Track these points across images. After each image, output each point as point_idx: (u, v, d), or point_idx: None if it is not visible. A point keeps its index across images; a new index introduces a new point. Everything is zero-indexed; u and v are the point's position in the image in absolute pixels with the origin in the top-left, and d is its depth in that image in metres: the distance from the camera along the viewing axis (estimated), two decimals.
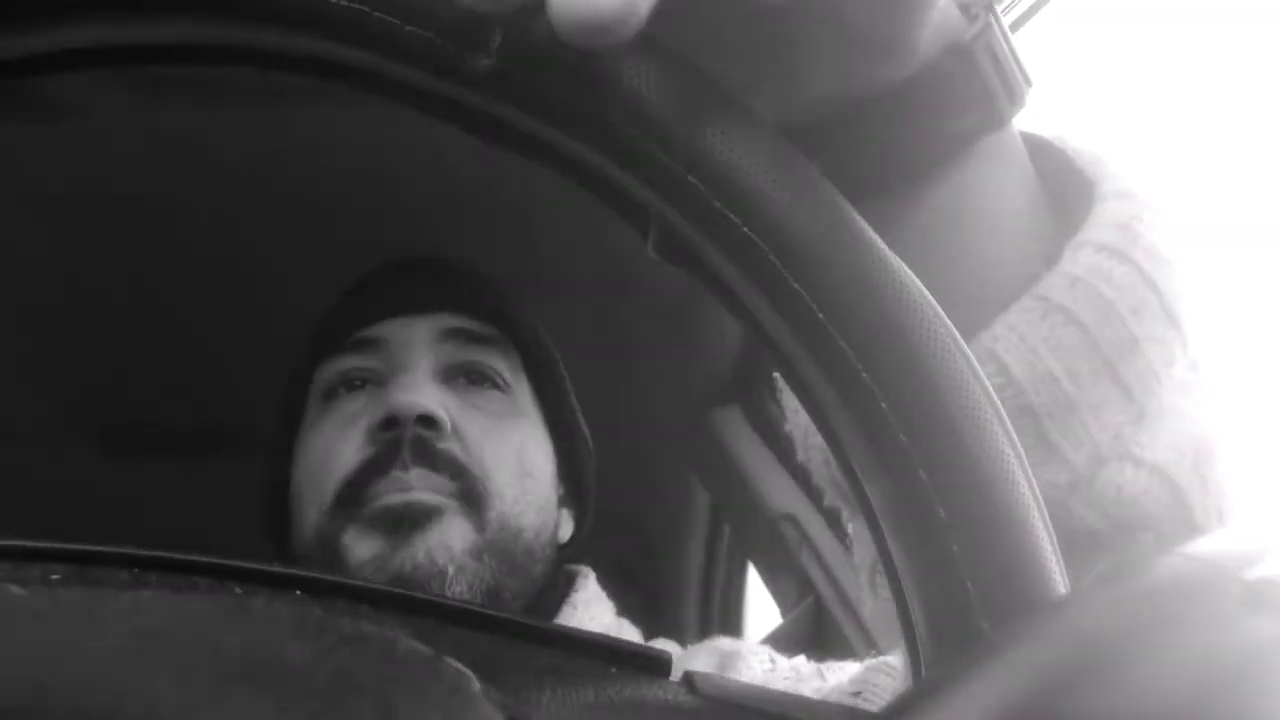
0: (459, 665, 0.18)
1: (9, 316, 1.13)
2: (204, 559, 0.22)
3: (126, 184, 1.02)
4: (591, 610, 0.78)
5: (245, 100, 0.94)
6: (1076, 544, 0.29)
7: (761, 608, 1.28)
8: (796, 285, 0.22)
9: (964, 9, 0.30)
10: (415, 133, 0.92)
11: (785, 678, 0.70)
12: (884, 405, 0.21)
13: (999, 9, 0.31)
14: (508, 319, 0.82)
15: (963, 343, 0.22)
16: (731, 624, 1.33)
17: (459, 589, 0.69)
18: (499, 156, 0.29)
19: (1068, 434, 0.30)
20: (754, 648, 0.77)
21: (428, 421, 0.72)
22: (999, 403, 0.22)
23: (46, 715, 0.15)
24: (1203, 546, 0.20)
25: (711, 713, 0.22)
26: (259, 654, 0.17)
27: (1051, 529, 0.22)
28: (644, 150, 0.23)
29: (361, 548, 0.71)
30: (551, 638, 0.23)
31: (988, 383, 0.22)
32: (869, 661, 0.54)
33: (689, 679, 0.22)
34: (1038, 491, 0.22)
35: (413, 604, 0.22)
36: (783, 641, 0.87)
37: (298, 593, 0.22)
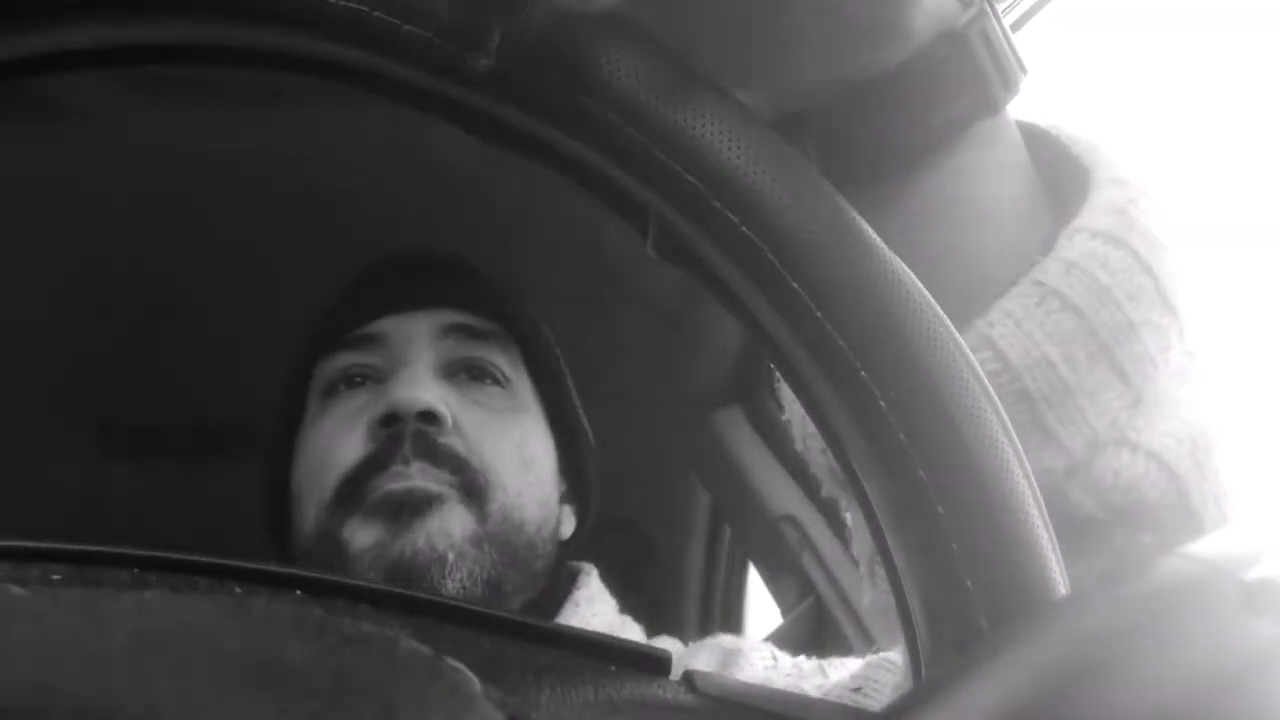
0: (460, 666, 0.18)
1: (9, 316, 1.13)
2: (204, 559, 0.22)
3: (127, 184, 1.02)
4: (594, 608, 0.78)
5: (245, 100, 0.94)
6: (1074, 531, 0.29)
7: (762, 608, 1.28)
8: (795, 284, 0.22)
9: None
10: (415, 133, 0.92)
11: (787, 675, 0.70)
12: (883, 404, 0.21)
13: (998, 5, 0.31)
14: (508, 314, 0.82)
15: (961, 341, 0.22)
16: (732, 624, 1.33)
17: (459, 576, 0.69)
18: (499, 157, 0.29)
19: (1064, 420, 0.30)
20: (756, 645, 0.77)
21: (429, 417, 0.72)
22: (998, 400, 0.22)
23: (47, 715, 0.15)
24: (1202, 547, 0.20)
25: (711, 711, 0.22)
26: (259, 654, 0.17)
27: (1050, 526, 0.22)
28: (643, 150, 0.23)
29: (362, 536, 0.71)
30: (551, 637, 0.23)
31: (986, 380, 0.22)
32: (870, 657, 0.54)
33: (689, 678, 0.23)
34: (1037, 489, 0.22)
35: (413, 603, 0.23)
36: (783, 642, 0.87)
37: (298, 592, 0.22)
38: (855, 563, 0.37)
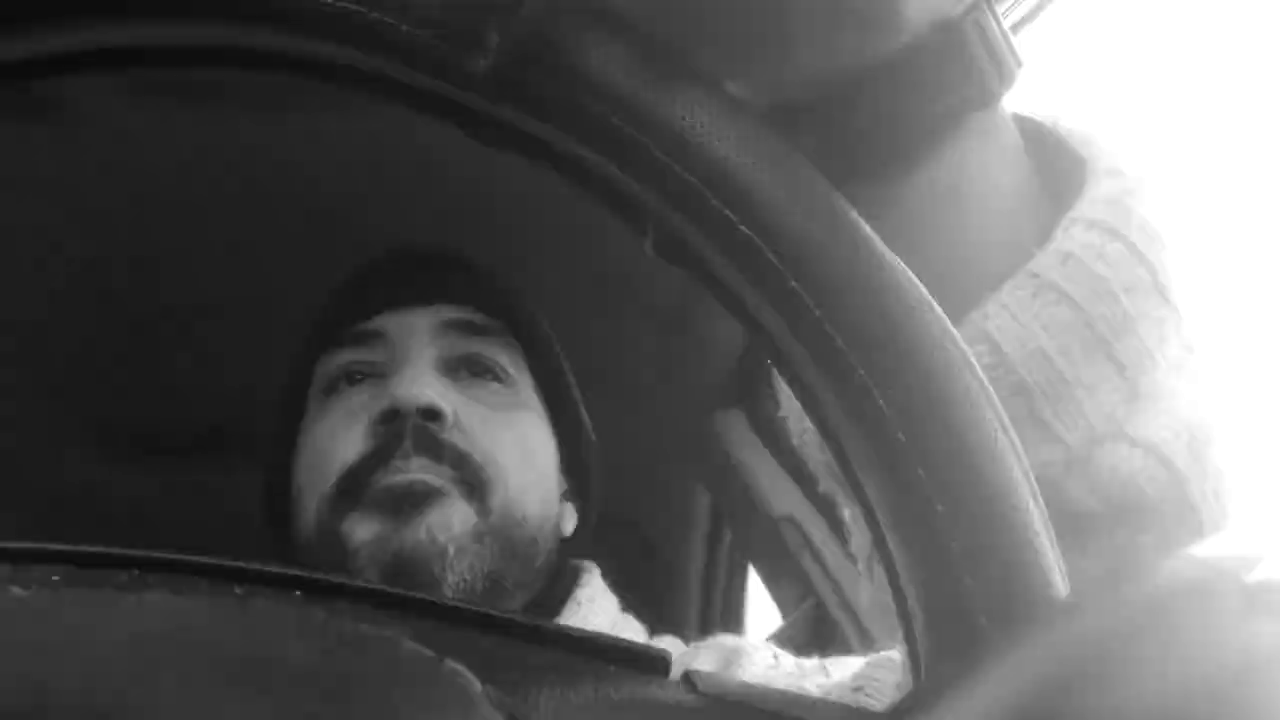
0: (460, 667, 0.18)
1: (9, 316, 1.13)
2: (204, 560, 0.22)
3: (127, 185, 1.02)
4: (596, 606, 0.78)
5: (245, 101, 0.94)
6: (1073, 526, 0.29)
7: (762, 609, 1.28)
8: (794, 283, 0.22)
9: None
10: (415, 134, 0.92)
11: (789, 674, 0.70)
12: (881, 402, 0.21)
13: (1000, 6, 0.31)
14: (509, 310, 0.82)
15: (959, 339, 0.22)
16: (732, 625, 1.33)
17: (460, 569, 0.69)
18: (499, 159, 0.29)
19: (1061, 413, 0.30)
20: (758, 644, 0.77)
21: (430, 413, 0.72)
22: (996, 398, 0.22)
23: (49, 716, 0.15)
24: (1204, 549, 0.20)
25: (711, 711, 0.22)
26: (260, 655, 0.17)
27: (1050, 524, 0.22)
28: (641, 149, 0.23)
29: (362, 529, 0.71)
30: (551, 637, 0.23)
31: (984, 378, 0.22)
32: (871, 657, 0.54)
33: (689, 678, 0.23)
34: (1036, 487, 0.22)
35: (413, 604, 0.23)
36: (784, 643, 0.87)
37: (298, 593, 0.22)
38: (854, 561, 0.36)
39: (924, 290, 0.23)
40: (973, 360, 0.22)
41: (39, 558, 0.22)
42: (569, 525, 0.81)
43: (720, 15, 0.28)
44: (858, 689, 0.50)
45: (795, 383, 0.24)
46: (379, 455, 0.71)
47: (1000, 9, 0.31)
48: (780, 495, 1.14)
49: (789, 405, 0.35)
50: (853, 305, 0.22)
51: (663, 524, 1.37)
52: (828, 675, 0.67)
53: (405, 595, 0.23)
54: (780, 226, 0.22)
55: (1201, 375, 0.32)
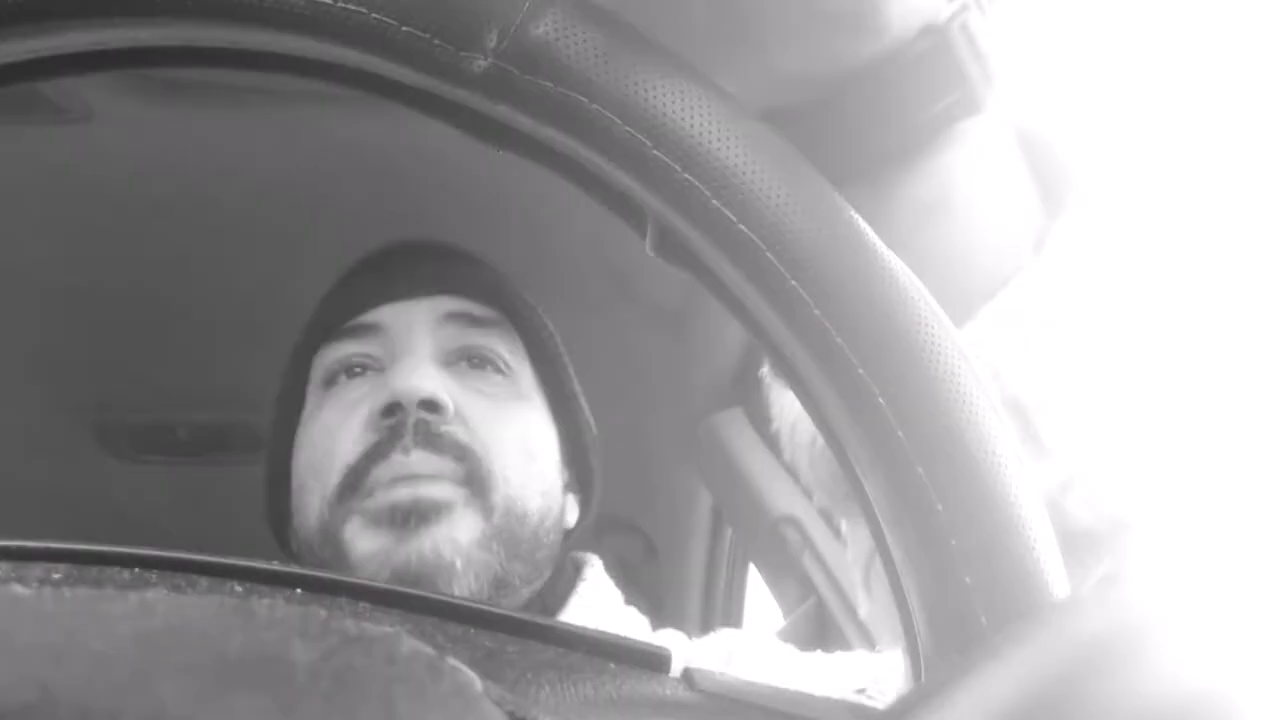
0: (461, 665, 0.18)
1: (10, 316, 1.13)
2: (205, 558, 0.22)
3: (128, 185, 1.02)
4: (599, 599, 0.78)
5: (247, 101, 0.94)
6: (1074, 545, 0.28)
7: (762, 609, 1.28)
8: (793, 282, 0.22)
9: None
10: (417, 135, 0.92)
11: (791, 670, 0.70)
12: (881, 401, 0.21)
13: None
14: (508, 302, 0.82)
15: (958, 337, 0.22)
16: (733, 625, 1.33)
17: (467, 580, 0.68)
18: (501, 159, 0.29)
19: (1057, 431, 0.30)
20: (761, 640, 0.77)
21: (431, 406, 0.71)
22: (995, 397, 0.22)
23: (50, 716, 0.15)
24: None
25: (711, 708, 0.22)
26: (261, 654, 0.17)
27: (1049, 522, 0.22)
28: (640, 148, 0.23)
29: (365, 542, 0.70)
30: (552, 634, 0.23)
31: (983, 377, 0.22)
32: (872, 657, 0.54)
33: (688, 675, 0.23)
34: (1035, 485, 0.22)
35: (414, 601, 0.23)
36: (785, 642, 0.87)
37: (299, 591, 0.22)
38: (850, 568, 0.36)
39: (924, 289, 0.23)
40: (971, 359, 0.22)
41: (40, 556, 0.22)
42: (571, 518, 0.81)
43: (700, 16, 0.28)
44: (860, 691, 0.50)
45: (794, 381, 0.24)
46: (379, 450, 0.71)
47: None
48: (780, 495, 1.14)
49: (780, 420, 0.35)
50: (852, 304, 0.22)
51: (663, 524, 1.37)
52: (829, 673, 0.67)
53: (406, 592, 0.23)
54: (778, 224, 0.22)
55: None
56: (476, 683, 0.18)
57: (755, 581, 1.31)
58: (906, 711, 0.17)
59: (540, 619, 0.23)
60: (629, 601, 0.81)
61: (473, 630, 0.22)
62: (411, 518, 0.68)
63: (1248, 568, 0.19)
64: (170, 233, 1.07)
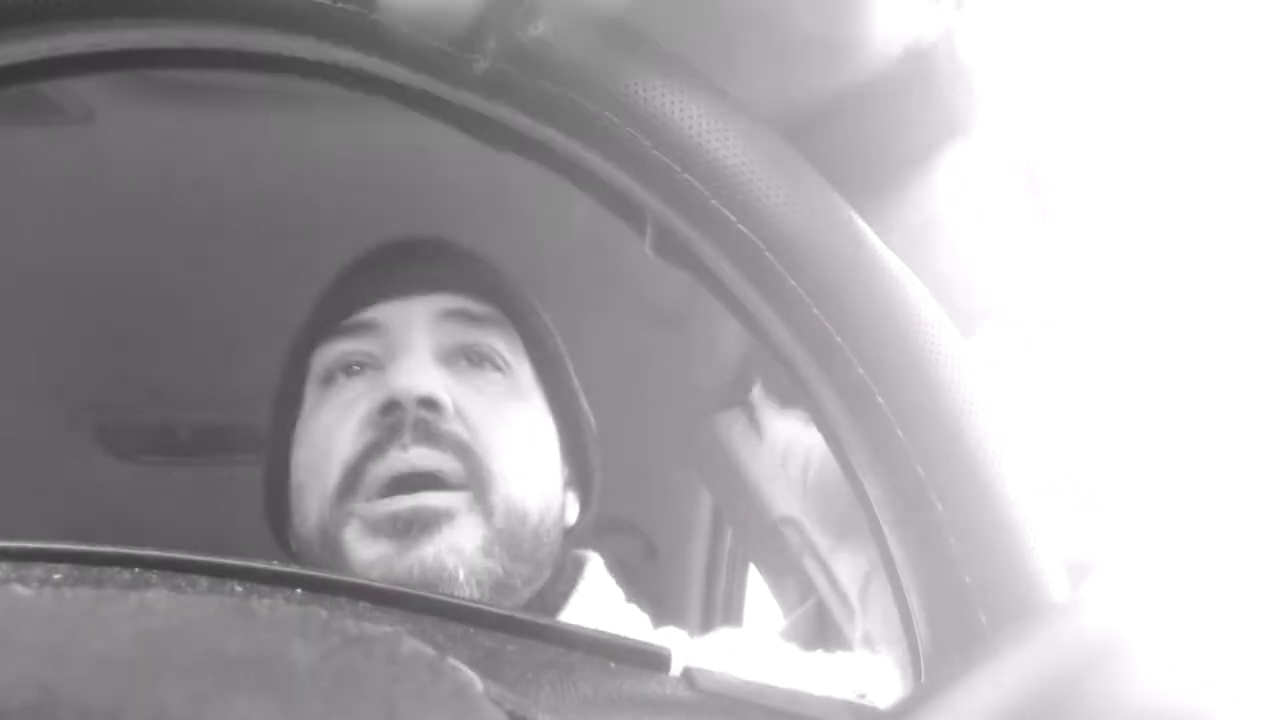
0: (462, 665, 0.18)
1: (11, 317, 1.13)
2: (205, 559, 0.23)
3: (129, 186, 1.02)
4: (600, 596, 0.78)
5: (248, 103, 0.94)
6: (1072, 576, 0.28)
7: (762, 610, 1.28)
8: (792, 281, 0.22)
9: (931, 8, 0.29)
10: (416, 135, 0.92)
11: (794, 670, 0.70)
12: (880, 400, 0.21)
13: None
14: (506, 299, 0.81)
15: (957, 337, 0.22)
16: (734, 625, 1.33)
17: (469, 589, 0.68)
18: (501, 160, 0.29)
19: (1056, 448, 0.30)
20: (763, 639, 0.77)
21: (429, 404, 0.70)
22: (994, 397, 0.22)
23: (52, 715, 0.15)
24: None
25: (711, 707, 0.22)
26: (262, 654, 0.17)
27: (1047, 521, 0.22)
28: (639, 148, 0.23)
29: (365, 549, 0.69)
30: (552, 634, 0.23)
31: (982, 377, 0.22)
32: (873, 659, 0.54)
33: (688, 674, 0.23)
34: (1033, 486, 0.22)
35: (414, 602, 0.23)
36: (786, 642, 0.87)
37: (299, 591, 0.22)
38: (845, 593, 0.36)
39: (924, 289, 0.23)
40: (970, 359, 0.22)
41: (41, 557, 0.22)
42: (571, 515, 0.81)
43: (672, 44, 0.27)
44: (861, 696, 0.50)
45: (794, 381, 0.24)
46: (378, 446, 0.71)
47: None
48: (781, 495, 1.14)
49: (771, 451, 0.35)
50: (852, 304, 0.22)
51: (663, 524, 1.37)
52: (831, 673, 0.67)
53: (406, 592, 0.23)
54: (778, 224, 0.22)
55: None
56: (476, 682, 0.18)
57: (755, 582, 1.31)
58: (906, 711, 0.17)
59: (540, 619, 0.23)
60: (629, 599, 0.81)
61: (473, 630, 0.22)
62: (413, 527, 0.68)
63: (1239, 577, 0.19)
64: (172, 233, 1.07)
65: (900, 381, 0.22)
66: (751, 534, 1.22)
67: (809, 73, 0.28)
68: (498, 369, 0.78)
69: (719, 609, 1.36)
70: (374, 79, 0.25)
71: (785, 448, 0.35)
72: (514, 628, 0.22)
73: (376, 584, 0.23)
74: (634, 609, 0.80)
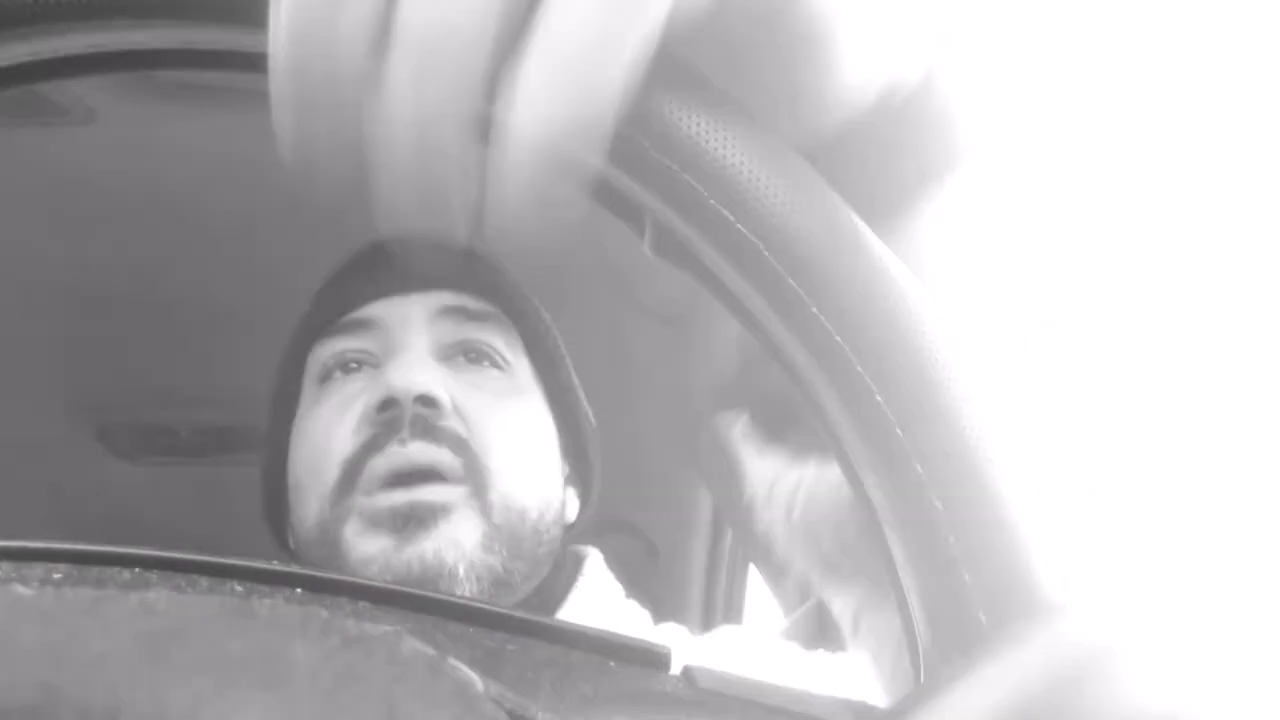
0: (462, 665, 0.18)
1: (11, 317, 1.13)
2: (206, 558, 0.23)
3: (130, 186, 1.02)
4: (600, 592, 0.78)
5: (248, 103, 0.94)
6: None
7: (763, 610, 1.28)
8: (792, 282, 0.22)
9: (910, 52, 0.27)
10: None
11: (796, 668, 0.70)
12: (879, 399, 0.21)
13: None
14: (504, 295, 0.81)
15: (957, 338, 0.22)
16: (734, 624, 1.33)
17: (469, 585, 0.68)
18: None
19: None
20: (765, 637, 0.77)
21: (427, 401, 0.70)
22: (994, 397, 0.22)
23: (53, 715, 0.15)
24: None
25: (712, 706, 0.22)
26: (263, 654, 0.17)
27: (1047, 520, 0.22)
28: (638, 148, 0.23)
29: (364, 544, 0.69)
30: (552, 633, 0.23)
31: (982, 377, 0.22)
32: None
33: (688, 672, 0.23)
34: (1034, 485, 0.22)
35: (414, 601, 0.23)
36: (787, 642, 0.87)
37: (299, 591, 0.22)
38: (838, 625, 0.36)
39: (924, 289, 0.23)
40: (970, 359, 0.22)
41: (42, 556, 0.22)
42: (571, 512, 0.81)
43: None
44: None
45: (795, 381, 0.24)
46: (376, 442, 0.70)
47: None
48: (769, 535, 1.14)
49: (753, 490, 0.35)
50: (851, 304, 0.22)
51: (663, 524, 1.37)
52: (832, 673, 0.67)
53: (406, 592, 0.23)
54: (777, 225, 0.22)
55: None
56: (477, 682, 0.18)
57: (756, 581, 1.31)
58: (906, 711, 0.17)
59: (540, 618, 0.23)
60: (630, 594, 0.81)
61: (473, 629, 0.22)
62: (410, 522, 0.68)
63: (1237, 583, 0.19)
64: (174, 234, 1.07)
65: (900, 381, 0.22)
66: (752, 534, 1.23)
67: (774, 124, 0.26)
68: (496, 366, 0.78)
69: (719, 609, 1.36)
70: None
71: (768, 489, 0.34)
72: (514, 627, 0.23)
73: (377, 584, 0.23)
74: (634, 604, 0.80)
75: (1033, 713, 0.17)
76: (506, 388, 0.77)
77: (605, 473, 0.86)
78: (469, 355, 0.76)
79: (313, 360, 0.79)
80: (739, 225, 0.22)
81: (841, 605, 0.34)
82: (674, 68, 0.24)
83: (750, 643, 0.75)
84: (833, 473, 0.33)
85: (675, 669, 0.23)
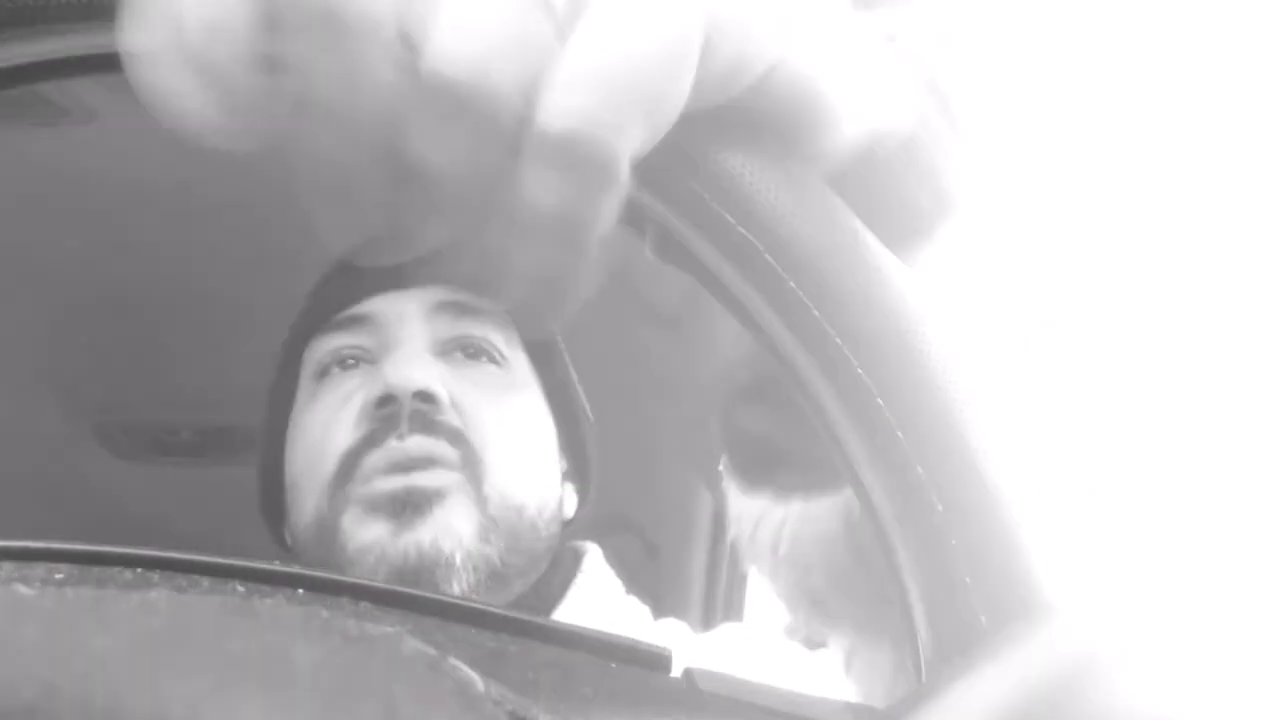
0: (463, 665, 0.18)
1: (12, 316, 1.13)
2: (208, 558, 0.23)
3: (130, 186, 1.02)
4: (599, 589, 0.77)
5: None
6: None
7: (763, 610, 1.28)
8: (792, 284, 0.22)
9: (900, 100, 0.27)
10: None
11: (798, 668, 0.70)
12: (880, 401, 0.21)
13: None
14: None
15: (958, 341, 0.22)
16: (735, 622, 1.33)
17: (465, 574, 0.68)
18: None
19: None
20: (767, 637, 0.77)
21: (425, 397, 0.70)
22: (995, 400, 0.22)
23: (54, 715, 0.15)
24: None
25: (712, 709, 0.22)
26: (264, 654, 0.17)
27: (1048, 521, 0.22)
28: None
29: (362, 532, 0.69)
30: (553, 634, 0.23)
31: (982, 379, 0.22)
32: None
33: (690, 674, 0.23)
34: (1035, 486, 0.22)
35: (416, 602, 0.23)
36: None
37: (301, 592, 0.22)
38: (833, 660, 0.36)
39: (925, 292, 0.23)
40: (970, 360, 0.22)
41: (43, 556, 0.22)
42: (569, 508, 0.80)
43: None
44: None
45: (796, 383, 0.24)
46: (374, 437, 0.70)
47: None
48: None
49: (738, 527, 0.35)
50: (851, 306, 0.22)
51: (664, 524, 1.37)
52: (833, 670, 0.67)
53: (408, 593, 0.23)
54: (778, 227, 0.23)
55: None
56: (478, 682, 0.18)
57: (756, 581, 1.31)
58: (906, 712, 0.17)
59: (542, 619, 0.23)
60: (629, 590, 0.80)
61: (474, 630, 0.22)
62: (407, 508, 0.68)
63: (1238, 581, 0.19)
64: (174, 234, 1.07)
65: (900, 383, 0.22)
66: None
67: None
68: (494, 361, 0.77)
69: (719, 609, 1.36)
70: None
71: (754, 525, 0.34)
72: (516, 628, 0.23)
73: (379, 585, 0.23)
74: (634, 600, 0.80)
75: (1032, 714, 0.17)
76: (504, 383, 0.76)
77: (606, 472, 0.86)
78: (467, 351, 0.76)
79: (309, 357, 0.79)
80: (740, 228, 0.23)
81: (834, 642, 0.34)
82: None
83: (752, 641, 0.75)
84: (818, 508, 0.33)
85: (676, 671, 0.23)
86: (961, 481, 0.21)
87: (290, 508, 0.76)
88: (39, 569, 0.21)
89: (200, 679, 0.16)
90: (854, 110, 0.25)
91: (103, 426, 1.27)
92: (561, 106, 0.20)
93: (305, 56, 0.20)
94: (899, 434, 0.21)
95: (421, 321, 0.76)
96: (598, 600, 0.77)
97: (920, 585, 0.22)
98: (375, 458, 0.70)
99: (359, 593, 0.23)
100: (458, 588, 0.67)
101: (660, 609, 1.33)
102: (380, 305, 0.77)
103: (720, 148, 0.23)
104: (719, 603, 1.36)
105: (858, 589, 0.32)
